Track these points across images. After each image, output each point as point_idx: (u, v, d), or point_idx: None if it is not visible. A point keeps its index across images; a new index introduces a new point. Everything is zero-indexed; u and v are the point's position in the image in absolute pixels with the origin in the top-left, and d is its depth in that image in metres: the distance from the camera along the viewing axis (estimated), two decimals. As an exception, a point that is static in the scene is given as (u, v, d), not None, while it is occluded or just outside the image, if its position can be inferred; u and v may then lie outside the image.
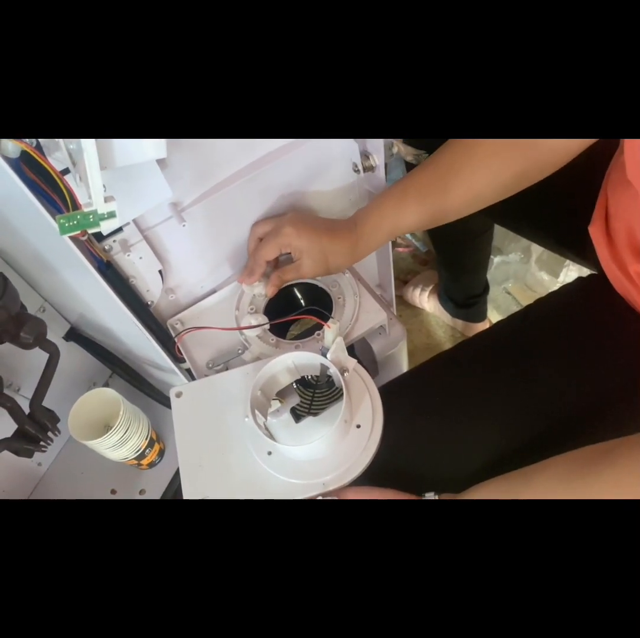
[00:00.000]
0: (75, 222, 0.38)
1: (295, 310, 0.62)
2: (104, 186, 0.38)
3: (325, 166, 0.65)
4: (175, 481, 0.75)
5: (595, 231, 0.56)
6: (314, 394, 0.64)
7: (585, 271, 0.67)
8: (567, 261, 1.01)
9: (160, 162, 0.49)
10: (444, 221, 0.56)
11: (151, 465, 0.76)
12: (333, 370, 0.49)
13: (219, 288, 0.67)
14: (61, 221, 0.38)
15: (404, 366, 0.75)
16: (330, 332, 0.49)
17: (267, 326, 0.60)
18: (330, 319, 0.50)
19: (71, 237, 0.43)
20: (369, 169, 0.65)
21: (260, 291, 0.63)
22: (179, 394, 0.55)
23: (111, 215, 0.39)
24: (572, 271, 1.01)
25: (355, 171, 0.66)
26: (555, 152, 0.50)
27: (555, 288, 0.91)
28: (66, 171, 0.41)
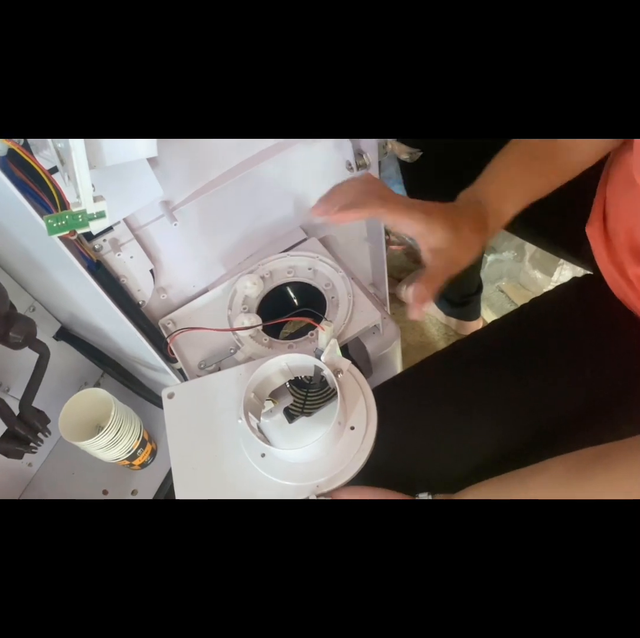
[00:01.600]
0: (63, 222, 0.37)
1: (288, 309, 0.62)
2: (93, 185, 0.37)
3: (319, 164, 0.65)
4: (168, 481, 0.75)
5: (593, 232, 0.55)
6: (307, 394, 0.64)
7: (579, 270, 0.66)
8: (561, 260, 1.00)
9: (151, 160, 0.49)
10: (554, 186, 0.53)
11: (143, 465, 0.75)
12: (327, 372, 0.48)
13: (211, 287, 0.66)
14: (49, 221, 0.37)
15: (398, 365, 0.74)
16: (324, 334, 0.48)
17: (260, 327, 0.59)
18: (324, 321, 0.49)
19: (60, 237, 0.42)
20: (362, 167, 0.64)
21: (252, 291, 0.62)
22: (170, 396, 0.54)
23: (101, 215, 0.39)
24: (566, 270, 1.01)
25: (348, 169, 0.66)
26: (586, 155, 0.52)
27: (549, 286, 0.90)
28: (54, 170, 0.40)
